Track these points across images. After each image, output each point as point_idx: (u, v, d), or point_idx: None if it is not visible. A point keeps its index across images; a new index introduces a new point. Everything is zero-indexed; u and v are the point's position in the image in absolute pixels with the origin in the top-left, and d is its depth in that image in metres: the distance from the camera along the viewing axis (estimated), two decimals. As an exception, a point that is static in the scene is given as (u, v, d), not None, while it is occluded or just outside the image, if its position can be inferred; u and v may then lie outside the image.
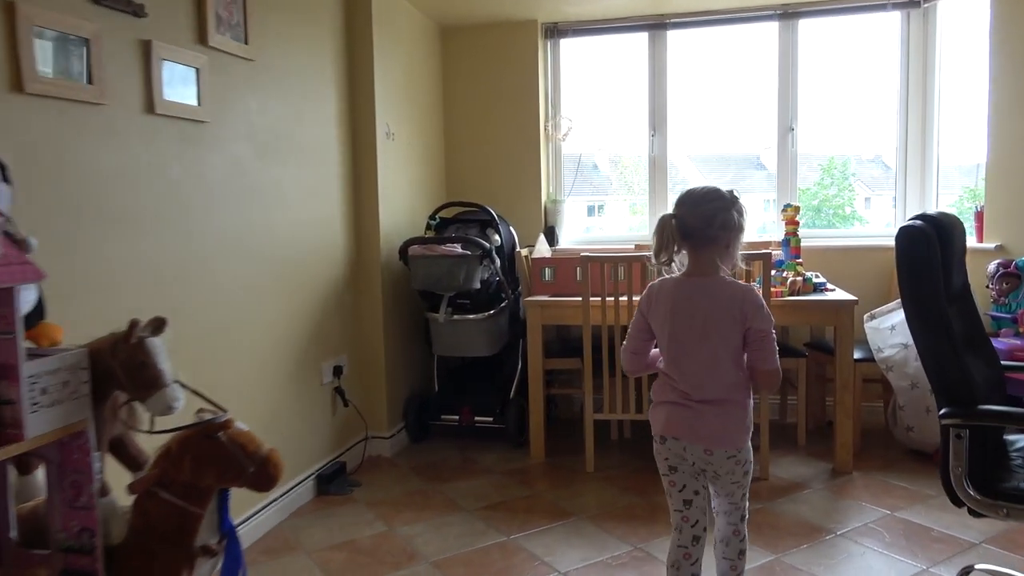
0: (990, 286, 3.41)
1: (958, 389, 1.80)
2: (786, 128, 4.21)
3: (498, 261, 3.64)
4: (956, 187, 4.18)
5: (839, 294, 3.38)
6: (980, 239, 3.63)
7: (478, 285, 3.59)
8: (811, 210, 4.45)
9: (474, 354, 3.70)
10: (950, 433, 1.79)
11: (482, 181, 4.39)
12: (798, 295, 3.35)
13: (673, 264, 1.79)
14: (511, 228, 4.00)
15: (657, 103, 4.33)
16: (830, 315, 3.27)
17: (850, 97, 4.23)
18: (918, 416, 3.40)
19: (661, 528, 2.76)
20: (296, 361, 3.05)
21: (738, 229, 1.78)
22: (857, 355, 3.52)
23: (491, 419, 3.75)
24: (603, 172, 4.74)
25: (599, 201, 4.83)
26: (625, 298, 3.24)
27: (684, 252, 1.79)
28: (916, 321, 1.85)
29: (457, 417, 3.79)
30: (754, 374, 1.79)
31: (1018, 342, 3.15)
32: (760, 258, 3.12)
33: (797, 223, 3.56)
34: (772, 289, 3.18)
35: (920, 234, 1.83)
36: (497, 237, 3.77)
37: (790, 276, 3.42)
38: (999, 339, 3.20)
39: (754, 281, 3.24)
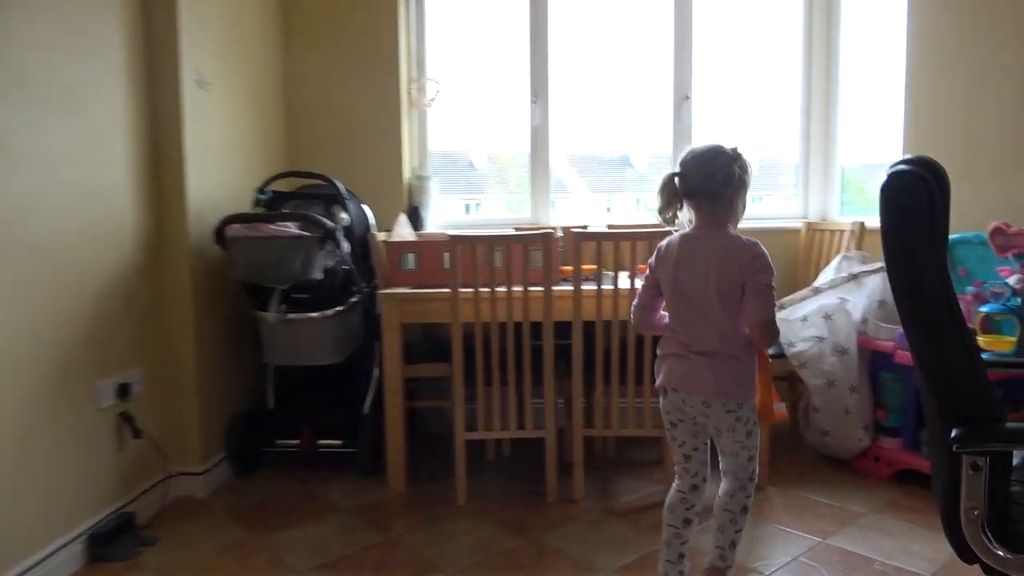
0: (908, 270, 3.04)
1: (974, 401, 1.28)
2: (681, 97, 3.72)
3: (346, 245, 2.91)
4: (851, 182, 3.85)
5: (749, 281, 2.90)
6: (893, 218, 3.27)
7: (320, 275, 2.84)
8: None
9: (317, 362, 2.95)
10: (962, 463, 1.27)
11: (332, 151, 3.63)
12: (704, 282, 2.85)
13: (680, 220, 1.83)
14: (365, 207, 3.28)
15: (538, 63, 3.73)
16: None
17: (749, 83, 3.80)
18: (835, 419, 2.98)
19: (552, 582, 2.15)
20: (56, 381, 2.20)
21: (740, 184, 1.79)
22: None
23: (340, 442, 3.02)
24: (480, 169, 4.15)
25: (475, 199, 4.24)
26: (504, 289, 2.61)
27: (690, 209, 1.81)
28: (913, 306, 1.32)
29: (297, 441, 3.03)
30: (750, 326, 1.76)
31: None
32: (644, 238, 2.57)
33: (700, 199, 3.06)
34: (678, 275, 2.65)
35: (920, 184, 1.29)
36: (345, 216, 3.04)
37: (695, 260, 2.91)
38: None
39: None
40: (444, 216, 3.85)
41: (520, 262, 2.62)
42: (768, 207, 3.96)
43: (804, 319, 3.07)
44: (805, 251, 3.59)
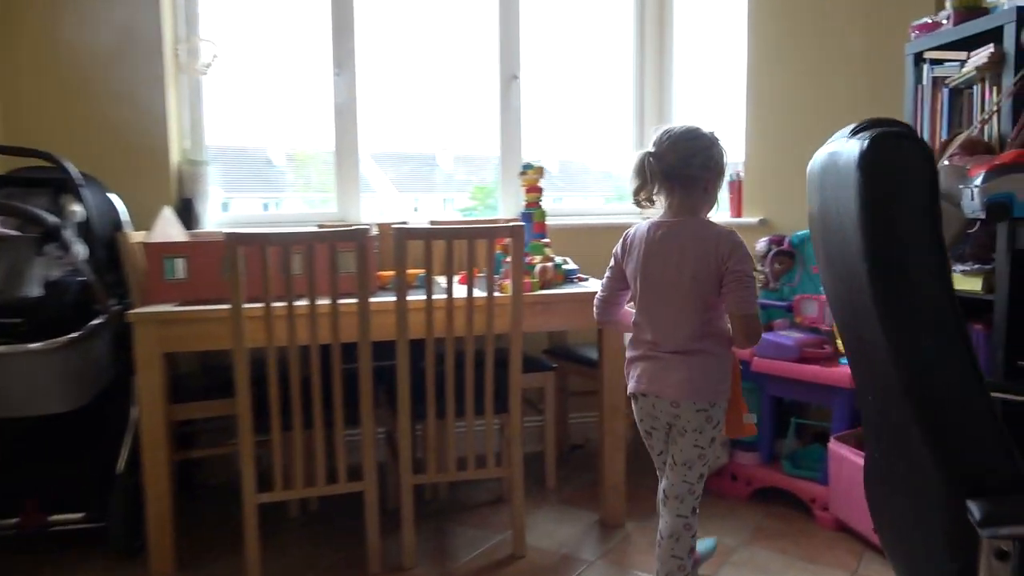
0: (760, 268, 2.82)
1: (989, 457, 0.91)
2: (509, 76, 3.29)
3: (81, 248, 2.14)
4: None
5: (598, 283, 2.51)
6: (738, 213, 3.06)
7: (40, 290, 2.05)
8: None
9: (41, 411, 2.14)
10: (981, 548, 0.90)
11: (67, 126, 2.77)
12: (549, 288, 2.42)
13: (655, 204, 1.69)
14: (112, 197, 2.49)
15: (342, 28, 3.11)
16: (592, 313, 2.37)
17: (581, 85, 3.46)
18: (691, 436, 2.68)
19: None
20: None
21: (717, 171, 1.68)
22: (590, 354, 2.74)
23: (82, 515, 2.23)
24: (278, 166, 3.47)
25: (275, 198, 3.56)
26: (305, 302, 2.00)
27: (661, 194, 1.68)
28: (893, 318, 0.93)
29: (16, 519, 2.19)
30: (731, 320, 1.65)
31: (803, 335, 2.56)
32: (511, 234, 2.10)
33: (540, 190, 2.63)
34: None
35: (921, 154, 0.91)
36: (79, 208, 2.25)
37: (538, 262, 2.47)
38: (774, 333, 2.59)
39: (489, 271, 2.24)
40: (239, 214, 3.13)
41: (326, 267, 2.02)
42: (592, 203, 3.65)
43: (654, 325, 2.75)
44: (646, 249, 3.30)
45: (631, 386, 1.75)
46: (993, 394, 1.29)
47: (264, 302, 1.96)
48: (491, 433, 2.23)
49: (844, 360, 2.45)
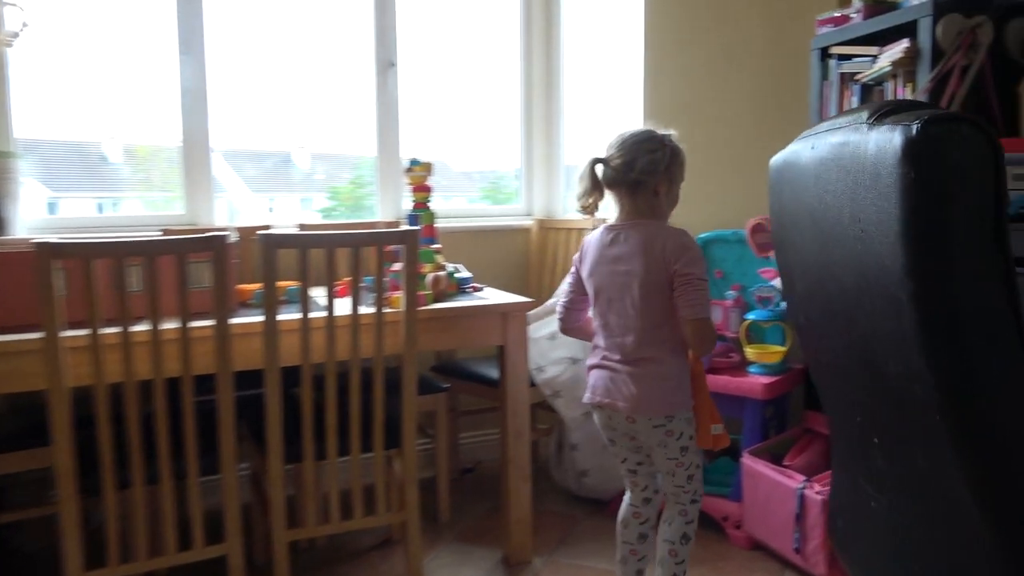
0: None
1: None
2: (386, 63, 2.97)
3: None
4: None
5: (495, 294, 2.26)
6: (635, 215, 2.90)
7: None
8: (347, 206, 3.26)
9: None
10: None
11: None
12: (443, 300, 2.14)
13: (598, 211, 1.64)
14: None
15: (188, 1, 2.67)
16: (494, 328, 2.11)
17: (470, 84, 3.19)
18: (597, 455, 2.49)
19: None
20: None
21: (667, 174, 1.59)
22: (488, 372, 2.50)
23: None
24: (115, 163, 2.97)
25: (111, 198, 3.06)
26: (146, 327, 1.60)
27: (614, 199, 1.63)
28: (934, 340, 0.73)
29: None
30: (683, 326, 1.55)
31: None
32: (404, 239, 1.80)
33: (429, 188, 2.34)
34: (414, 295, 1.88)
35: (981, 138, 0.72)
36: None
37: (429, 271, 2.18)
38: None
39: (362, 280, 1.95)
40: (68, 217, 2.62)
41: (173, 282, 1.63)
42: (476, 204, 3.40)
43: (553, 337, 2.53)
44: (538, 253, 3.08)
45: (587, 396, 1.69)
46: None
47: (91, 327, 1.55)
48: (381, 471, 1.91)
49: (754, 369, 2.33)
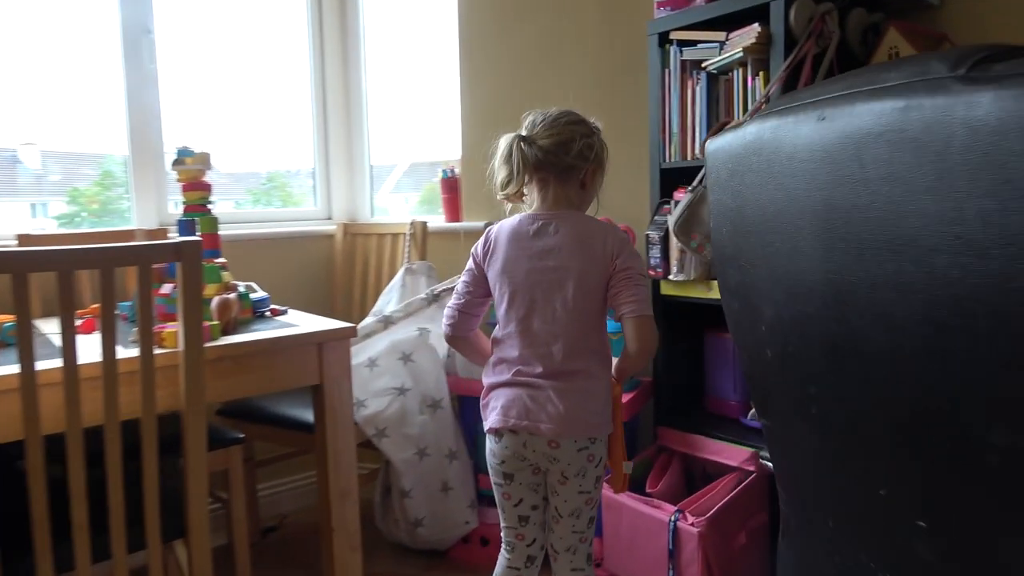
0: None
1: None
2: (139, 31, 2.36)
3: None
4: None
5: (303, 318, 1.80)
6: (456, 217, 2.56)
7: None
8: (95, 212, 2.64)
9: None
10: None
11: None
12: (236, 332, 1.65)
13: (524, 199, 1.45)
14: None
15: None
16: (308, 364, 1.66)
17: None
18: (432, 501, 2.12)
19: None
20: None
21: (598, 163, 1.44)
22: (296, 413, 2.06)
23: None
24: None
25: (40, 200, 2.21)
26: (58, 367, 0.96)
27: (533, 186, 1.43)
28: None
29: None
30: (625, 328, 1.36)
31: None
32: (180, 253, 1.30)
33: (207, 187, 1.82)
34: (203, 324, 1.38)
35: None
36: None
37: (213, 294, 1.67)
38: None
39: (116, 308, 1.43)
40: None
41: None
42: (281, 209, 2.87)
43: (373, 364, 2.13)
44: (345, 263, 2.64)
45: (493, 419, 1.39)
46: None
47: None
48: (157, 567, 1.39)
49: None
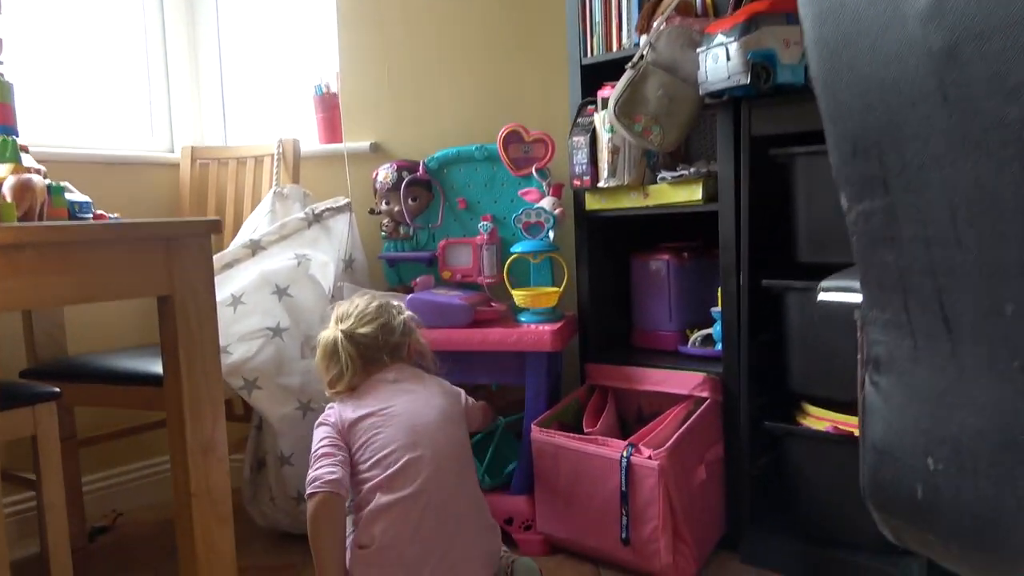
0: (380, 208, 1.98)
1: None
2: None
3: None
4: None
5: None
6: (336, 138, 2.15)
7: None
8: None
9: None
10: None
11: None
12: (35, 220, 1.17)
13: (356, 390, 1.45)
14: None
15: None
16: (154, 270, 1.20)
17: None
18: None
19: None
20: None
21: (411, 332, 1.53)
22: (137, 366, 1.60)
23: None
24: None
25: None
26: None
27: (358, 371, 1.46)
28: None
29: None
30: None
31: (465, 292, 1.81)
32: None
33: (-1, 42, 1.32)
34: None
35: None
36: None
37: (8, 174, 1.19)
38: (429, 293, 1.80)
39: None
40: None
41: None
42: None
43: (238, 301, 1.68)
44: (196, 193, 2.15)
45: None
46: None
47: None
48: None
49: (527, 317, 1.77)
